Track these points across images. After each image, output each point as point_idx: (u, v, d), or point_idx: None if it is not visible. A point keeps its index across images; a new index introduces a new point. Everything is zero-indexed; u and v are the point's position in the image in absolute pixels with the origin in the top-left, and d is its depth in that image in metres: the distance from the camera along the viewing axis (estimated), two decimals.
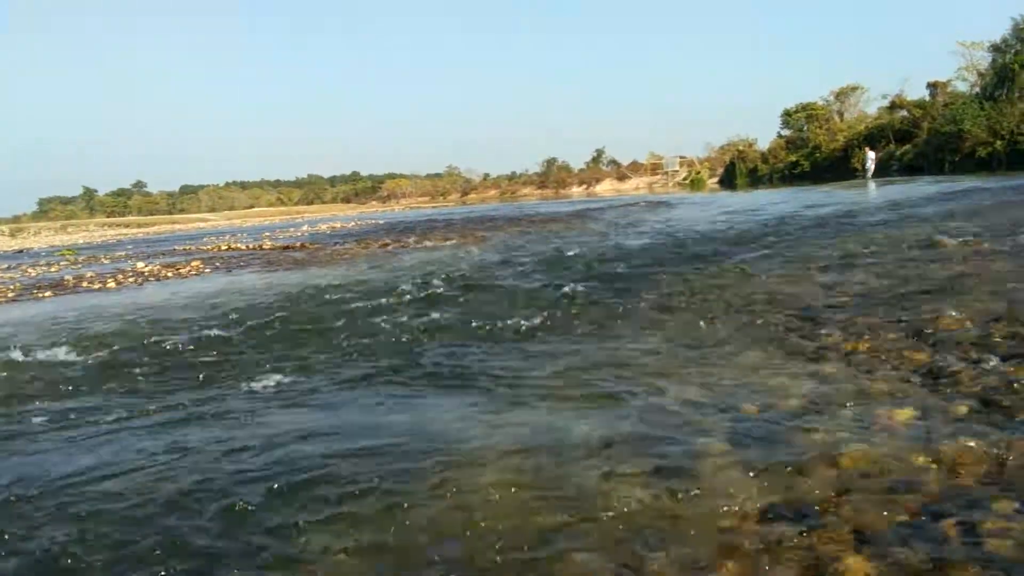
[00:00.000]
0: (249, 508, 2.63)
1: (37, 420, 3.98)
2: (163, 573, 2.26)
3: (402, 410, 3.75)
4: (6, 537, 2.54)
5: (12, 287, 12.12)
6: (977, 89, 35.75)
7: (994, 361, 3.58)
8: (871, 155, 32.53)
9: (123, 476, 3.02)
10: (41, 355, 5.61)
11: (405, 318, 6.07)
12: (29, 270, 16.05)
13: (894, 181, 23.78)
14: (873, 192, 18.87)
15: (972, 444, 2.68)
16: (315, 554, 2.32)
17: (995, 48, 34.72)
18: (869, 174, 30.90)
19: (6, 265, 18.58)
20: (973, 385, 3.33)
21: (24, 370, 5.26)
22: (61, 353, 5.62)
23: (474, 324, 5.60)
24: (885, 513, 2.28)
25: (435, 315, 6.07)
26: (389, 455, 3.07)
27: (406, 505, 2.59)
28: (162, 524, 2.56)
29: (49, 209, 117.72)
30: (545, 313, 5.80)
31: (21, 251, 27.98)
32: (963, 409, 3.08)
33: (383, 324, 5.92)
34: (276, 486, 2.78)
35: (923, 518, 2.25)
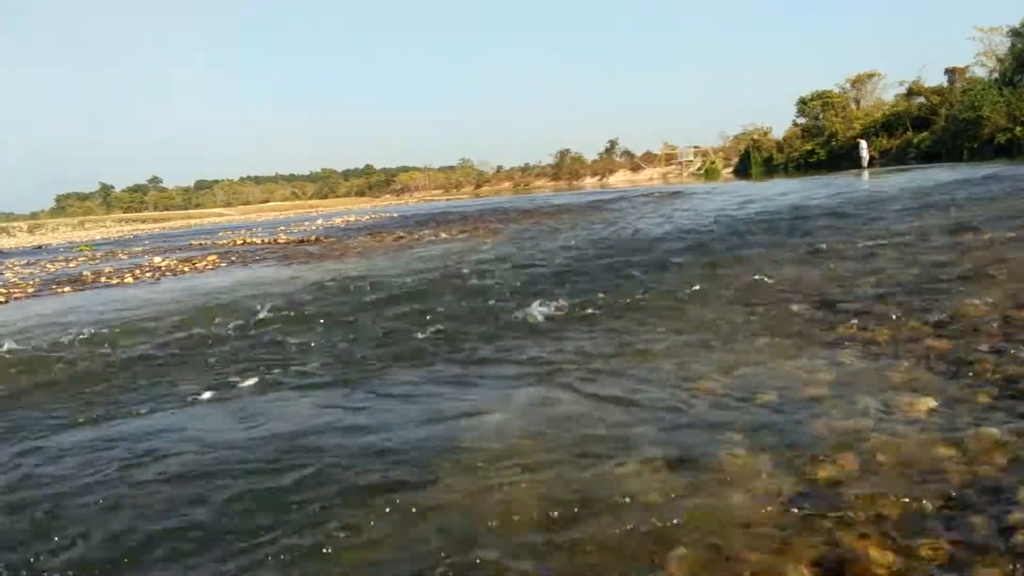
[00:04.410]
0: (274, 479, 2.65)
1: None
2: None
3: (416, 397, 3.75)
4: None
5: (32, 282, 12.25)
6: (996, 75, 35.26)
7: (1017, 350, 3.53)
8: (863, 144, 32.52)
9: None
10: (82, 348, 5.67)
11: (415, 307, 6.08)
12: (48, 266, 16.21)
13: (910, 168, 23.50)
14: (871, 181, 18.70)
15: (996, 433, 2.64)
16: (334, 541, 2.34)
17: (1014, 33, 34.22)
18: (864, 163, 30.97)
19: (26, 261, 18.79)
20: (996, 374, 3.29)
21: (49, 362, 5.32)
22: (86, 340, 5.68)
23: (483, 315, 5.59)
24: (908, 503, 2.25)
25: (442, 308, 6.07)
26: (403, 441, 3.08)
27: (417, 492, 2.60)
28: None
29: (67, 205, 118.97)
30: (557, 304, 5.78)
31: (40, 247, 28.26)
32: (986, 398, 3.04)
33: (394, 315, 5.93)
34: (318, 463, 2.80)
35: (947, 508, 2.22)
